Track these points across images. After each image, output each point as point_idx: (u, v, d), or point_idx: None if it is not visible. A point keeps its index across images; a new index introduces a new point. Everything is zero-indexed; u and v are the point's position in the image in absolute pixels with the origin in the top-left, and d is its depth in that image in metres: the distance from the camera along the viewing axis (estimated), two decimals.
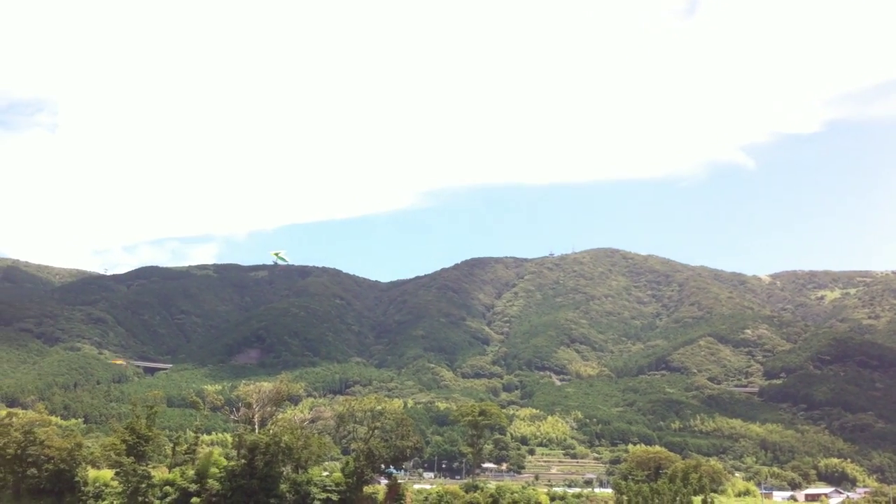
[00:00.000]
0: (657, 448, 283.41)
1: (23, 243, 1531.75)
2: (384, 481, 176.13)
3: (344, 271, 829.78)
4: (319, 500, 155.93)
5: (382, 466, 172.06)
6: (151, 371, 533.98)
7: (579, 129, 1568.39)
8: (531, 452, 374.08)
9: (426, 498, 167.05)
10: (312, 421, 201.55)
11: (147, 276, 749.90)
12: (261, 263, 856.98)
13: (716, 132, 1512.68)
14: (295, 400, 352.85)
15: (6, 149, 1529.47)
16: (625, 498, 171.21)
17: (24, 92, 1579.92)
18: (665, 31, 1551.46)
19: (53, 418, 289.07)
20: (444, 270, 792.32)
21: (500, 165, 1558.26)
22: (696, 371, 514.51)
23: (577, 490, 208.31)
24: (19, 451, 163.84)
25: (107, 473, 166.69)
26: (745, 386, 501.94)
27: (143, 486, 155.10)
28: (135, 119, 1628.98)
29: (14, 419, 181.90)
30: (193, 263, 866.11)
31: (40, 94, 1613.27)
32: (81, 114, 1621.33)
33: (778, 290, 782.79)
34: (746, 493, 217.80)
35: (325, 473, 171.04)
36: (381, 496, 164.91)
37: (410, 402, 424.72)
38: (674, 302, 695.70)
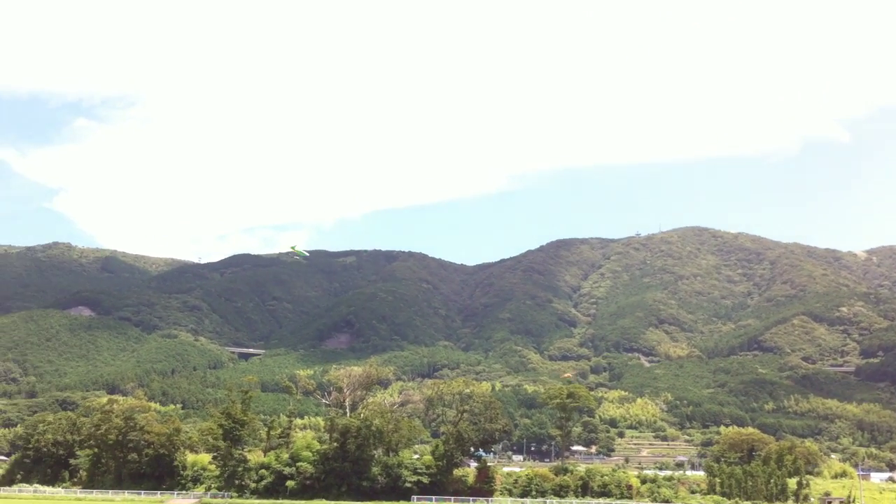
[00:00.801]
0: (750, 430, 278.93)
1: (120, 234, 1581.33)
2: (474, 464, 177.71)
3: (430, 255, 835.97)
4: (410, 482, 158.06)
5: (472, 449, 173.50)
6: (245, 357, 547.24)
7: (667, 108, 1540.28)
8: (620, 435, 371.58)
9: (516, 481, 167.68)
10: (402, 405, 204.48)
11: (239, 264, 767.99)
12: (349, 249, 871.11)
13: (809, 106, 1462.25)
14: (384, 384, 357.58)
15: (102, 142, 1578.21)
16: (717, 480, 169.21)
17: (117, 87, 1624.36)
18: (758, 3, 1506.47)
19: (152, 404, 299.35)
20: (529, 253, 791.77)
21: (586, 146, 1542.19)
22: (789, 351, 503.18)
23: (669, 473, 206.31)
24: (120, 437, 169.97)
25: (204, 457, 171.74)
26: (841, 365, 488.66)
27: (240, 469, 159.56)
28: (225, 112, 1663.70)
29: (115, 406, 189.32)
30: (283, 250, 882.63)
31: (133, 90, 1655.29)
32: (174, 108, 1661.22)
33: (874, 267, 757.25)
34: (843, 474, 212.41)
35: (416, 456, 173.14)
36: (471, 479, 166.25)
37: (498, 385, 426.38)
38: (765, 280, 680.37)
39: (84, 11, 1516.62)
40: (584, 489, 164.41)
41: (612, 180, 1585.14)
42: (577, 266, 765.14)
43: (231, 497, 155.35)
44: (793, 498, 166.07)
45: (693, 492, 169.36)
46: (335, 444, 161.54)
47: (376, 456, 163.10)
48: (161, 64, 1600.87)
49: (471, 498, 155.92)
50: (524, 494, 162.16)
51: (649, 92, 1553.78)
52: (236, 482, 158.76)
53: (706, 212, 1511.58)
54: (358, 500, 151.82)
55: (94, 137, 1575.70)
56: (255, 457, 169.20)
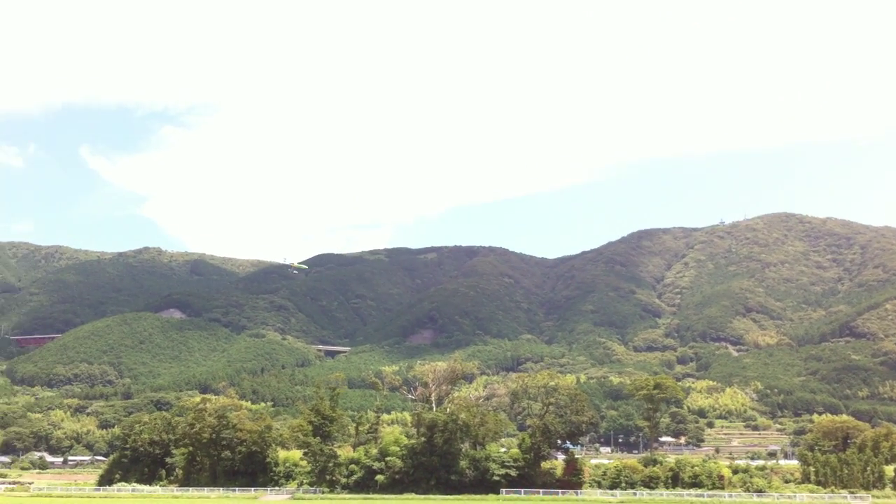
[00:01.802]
0: (844, 417, 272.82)
1: (207, 237, 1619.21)
2: (561, 456, 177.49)
3: (510, 249, 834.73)
4: (499, 475, 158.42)
5: (559, 442, 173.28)
6: (332, 354, 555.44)
7: (749, 94, 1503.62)
8: (710, 425, 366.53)
9: (604, 472, 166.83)
10: (487, 398, 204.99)
11: (323, 263, 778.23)
12: (429, 246, 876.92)
13: None
14: (469, 378, 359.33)
15: (188, 149, 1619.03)
16: (812, 469, 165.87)
17: (202, 95, 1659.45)
18: None
19: (244, 403, 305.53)
20: (610, 244, 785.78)
21: (667, 136, 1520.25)
22: (883, 336, 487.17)
23: (761, 462, 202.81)
24: (214, 436, 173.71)
25: (296, 454, 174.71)
26: None
27: (331, 464, 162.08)
28: (306, 116, 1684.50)
29: (208, 405, 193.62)
30: (365, 249, 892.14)
31: (217, 97, 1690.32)
32: (257, 113, 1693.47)
33: None
34: None
35: (503, 450, 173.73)
36: (559, 471, 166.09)
37: (583, 377, 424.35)
38: (856, 265, 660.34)
39: (165, 22, 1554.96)
40: (675, 480, 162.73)
41: (694, 169, 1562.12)
42: (660, 256, 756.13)
43: (323, 492, 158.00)
44: (891, 485, 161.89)
45: (787, 481, 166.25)
46: (422, 438, 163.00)
47: (464, 450, 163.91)
48: (244, 70, 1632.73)
49: (559, 490, 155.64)
50: (613, 486, 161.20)
51: (732, 79, 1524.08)
52: (327, 477, 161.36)
53: (792, 197, 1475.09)
54: (447, 494, 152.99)
55: (181, 144, 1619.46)
56: (344, 452, 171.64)
